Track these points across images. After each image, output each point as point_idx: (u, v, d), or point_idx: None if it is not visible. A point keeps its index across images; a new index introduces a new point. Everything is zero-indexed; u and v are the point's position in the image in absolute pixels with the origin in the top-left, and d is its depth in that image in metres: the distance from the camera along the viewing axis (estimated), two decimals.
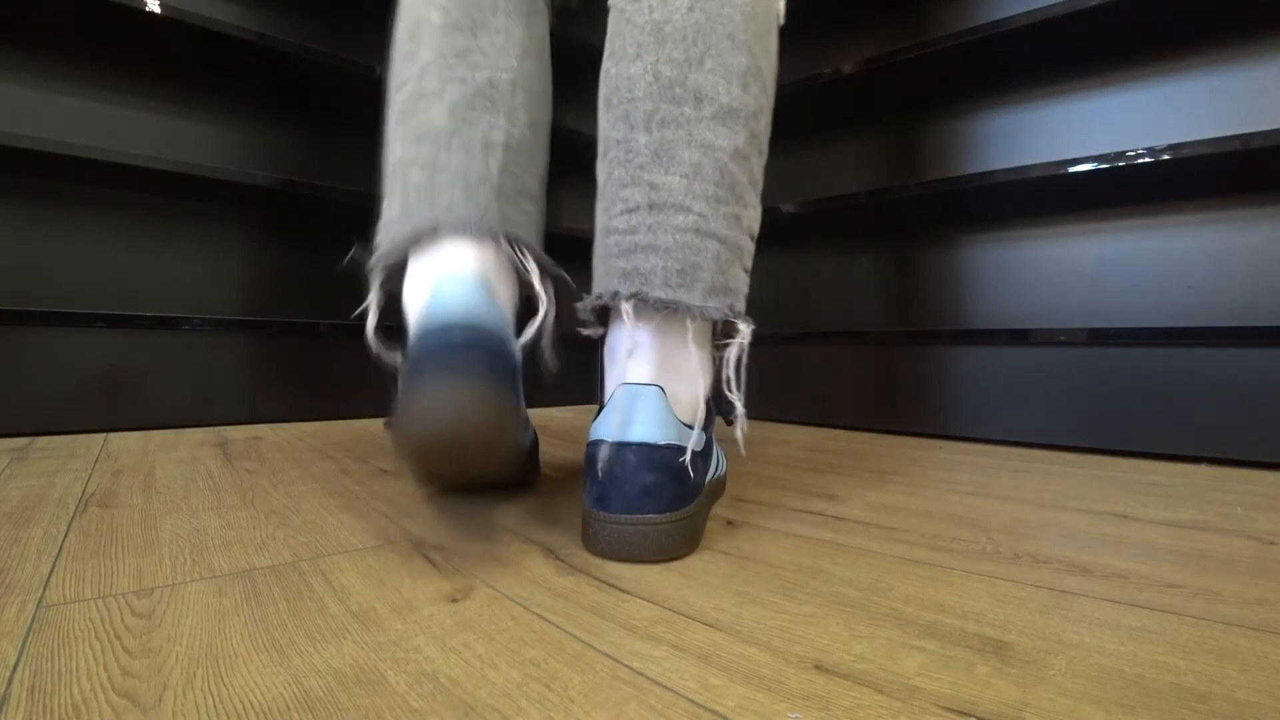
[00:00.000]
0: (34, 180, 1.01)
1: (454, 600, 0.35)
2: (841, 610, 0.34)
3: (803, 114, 1.33)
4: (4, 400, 0.94)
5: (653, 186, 0.45)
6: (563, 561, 0.42)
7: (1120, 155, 0.87)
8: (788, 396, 1.27)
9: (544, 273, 0.52)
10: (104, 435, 0.97)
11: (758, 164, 0.49)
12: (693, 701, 0.25)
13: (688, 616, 0.33)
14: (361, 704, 0.24)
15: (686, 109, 0.45)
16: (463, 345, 0.39)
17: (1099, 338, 0.92)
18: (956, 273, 1.16)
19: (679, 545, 0.42)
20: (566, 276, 0.54)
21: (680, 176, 0.45)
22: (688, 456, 0.43)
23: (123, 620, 0.32)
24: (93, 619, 0.32)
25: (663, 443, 0.42)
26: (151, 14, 0.97)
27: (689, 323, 0.46)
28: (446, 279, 0.45)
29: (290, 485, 0.63)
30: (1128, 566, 0.42)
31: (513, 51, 0.53)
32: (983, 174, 0.98)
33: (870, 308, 1.28)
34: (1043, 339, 0.97)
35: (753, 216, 0.49)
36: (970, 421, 1.04)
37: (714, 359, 0.50)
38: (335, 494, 0.60)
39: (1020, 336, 0.99)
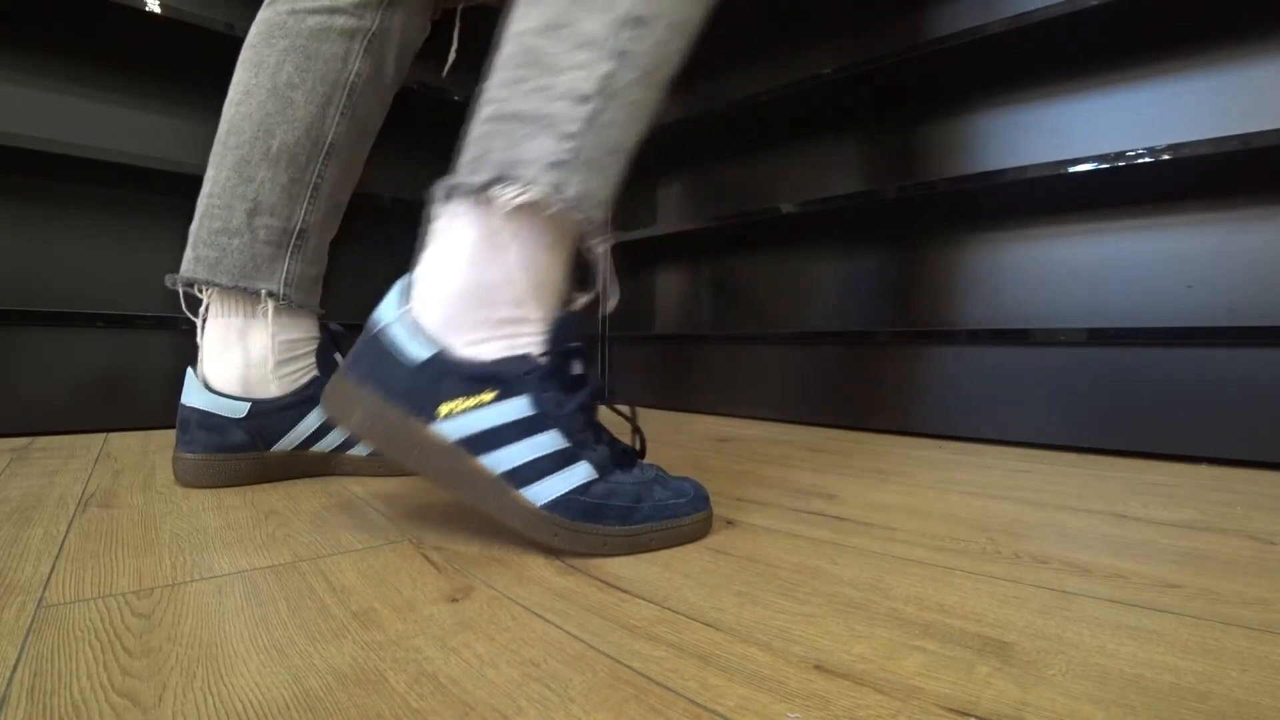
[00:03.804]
0: (34, 180, 1.01)
1: (454, 600, 0.35)
2: (841, 610, 0.34)
3: (802, 114, 1.33)
4: (4, 400, 0.94)
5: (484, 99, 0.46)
6: (563, 561, 0.42)
7: (1120, 155, 0.87)
8: (787, 396, 1.27)
9: None
10: (104, 435, 0.97)
11: (589, 21, 0.44)
12: (693, 701, 0.25)
13: (688, 616, 0.33)
14: (361, 704, 0.24)
15: (513, 14, 0.46)
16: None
17: (1099, 338, 0.92)
18: (957, 273, 1.16)
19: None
20: None
21: (497, 73, 0.46)
22: None
23: (123, 620, 0.32)
24: (93, 619, 0.32)
25: None
26: (151, 14, 0.97)
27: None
28: None
29: (290, 485, 0.63)
30: (1128, 566, 0.42)
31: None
32: (983, 174, 0.98)
33: (870, 308, 1.28)
34: (1043, 339, 0.97)
35: (576, 76, 0.44)
36: (970, 421, 1.04)
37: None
38: (335, 494, 0.60)
39: (1020, 336, 0.99)
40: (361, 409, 0.44)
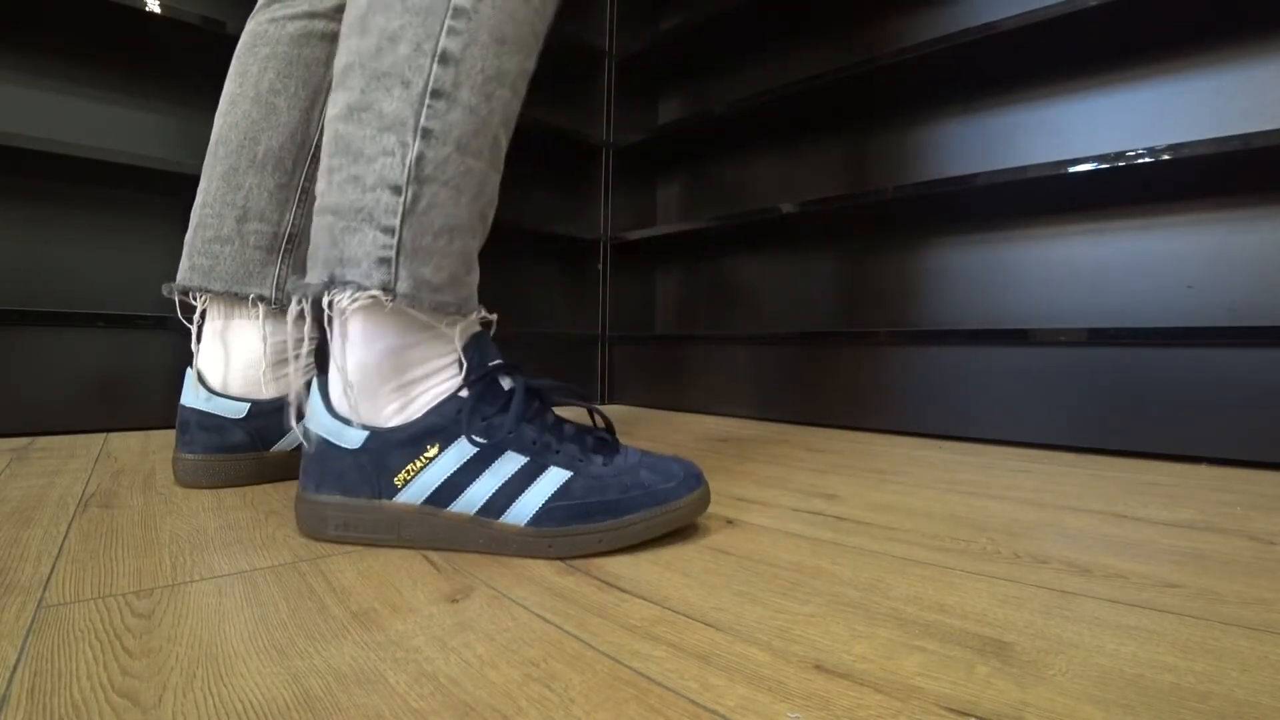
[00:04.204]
0: (34, 180, 1.01)
1: (454, 600, 0.35)
2: (841, 610, 0.34)
3: (802, 114, 1.33)
4: (4, 400, 0.94)
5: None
6: (562, 561, 0.42)
7: (1120, 155, 0.87)
8: (787, 396, 1.27)
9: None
10: (104, 435, 0.97)
11: (388, 101, 0.42)
12: (693, 701, 0.25)
13: (688, 616, 0.33)
14: (361, 704, 0.24)
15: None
16: None
17: (1099, 338, 0.92)
18: (956, 273, 1.16)
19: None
20: None
21: (321, 160, 0.45)
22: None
23: (123, 620, 0.32)
24: (93, 619, 0.32)
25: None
26: (151, 14, 0.97)
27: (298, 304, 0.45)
28: None
29: (290, 486, 0.63)
30: (1128, 566, 0.42)
31: None
32: (983, 174, 0.98)
33: (870, 307, 1.28)
34: (1043, 339, 0.97)
35: (385, 163, 0.42)
36: (969, 421, 1.04)
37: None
38: None
39: (1020, 336, 0.99)
40: (331, 513, 0.44)
